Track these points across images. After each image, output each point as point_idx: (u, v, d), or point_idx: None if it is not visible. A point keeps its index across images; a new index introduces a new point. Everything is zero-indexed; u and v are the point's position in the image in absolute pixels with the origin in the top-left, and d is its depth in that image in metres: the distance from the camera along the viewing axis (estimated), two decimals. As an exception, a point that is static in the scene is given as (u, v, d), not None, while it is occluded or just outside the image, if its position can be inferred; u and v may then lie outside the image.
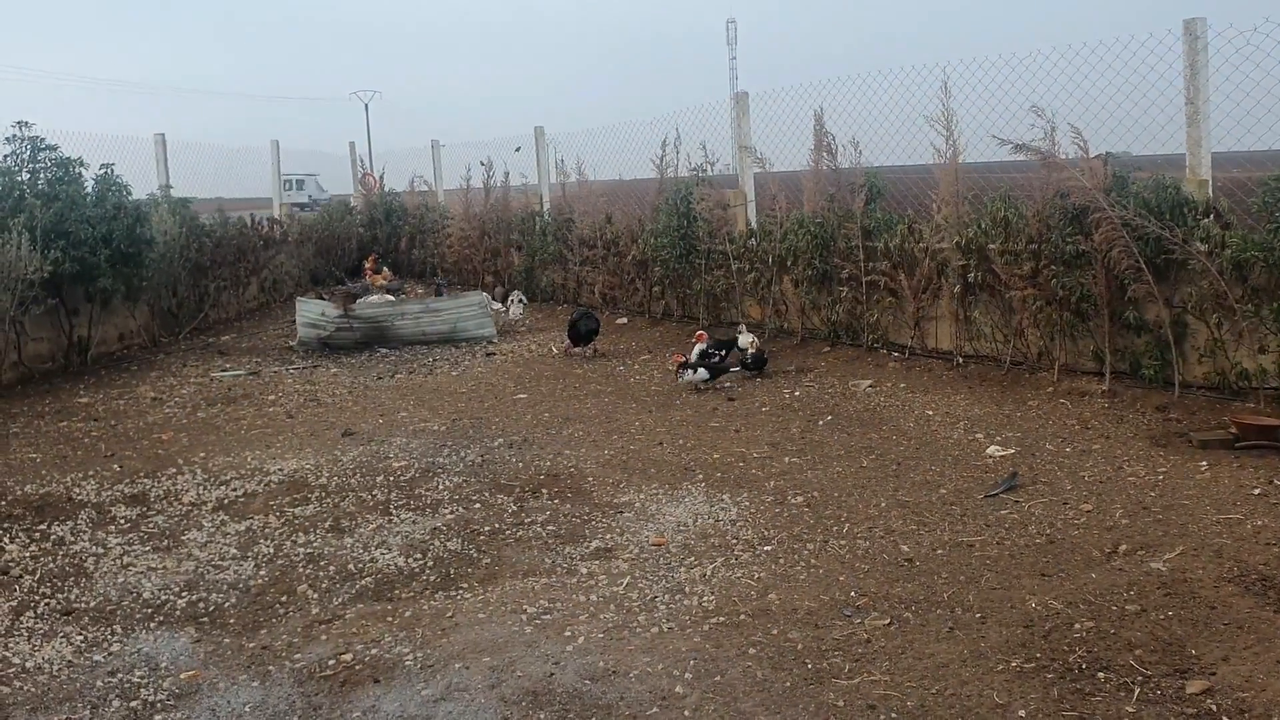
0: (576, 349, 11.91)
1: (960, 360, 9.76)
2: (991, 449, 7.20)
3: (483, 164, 18.60)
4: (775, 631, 4.61)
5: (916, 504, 6.21)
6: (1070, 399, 8.31)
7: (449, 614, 5.03)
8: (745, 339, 10.49)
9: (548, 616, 4.91)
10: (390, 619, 5.04)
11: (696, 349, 10.24)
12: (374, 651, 4.69)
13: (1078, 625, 4.50)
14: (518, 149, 18.45)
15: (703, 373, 9.71)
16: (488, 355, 12.31)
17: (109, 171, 12.32)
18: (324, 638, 4.90)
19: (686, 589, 5.14)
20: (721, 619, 4.77)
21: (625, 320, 13.99)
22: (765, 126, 12.75)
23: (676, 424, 8.49)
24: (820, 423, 8.25)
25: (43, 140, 11.74)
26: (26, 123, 11.66)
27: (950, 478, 6.67)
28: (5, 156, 11.55)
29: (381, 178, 22.74)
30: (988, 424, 7.88)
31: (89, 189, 11.94)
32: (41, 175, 11.66)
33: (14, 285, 10.51)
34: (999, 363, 9.47)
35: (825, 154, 11.09)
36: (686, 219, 12.78)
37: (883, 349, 10.57)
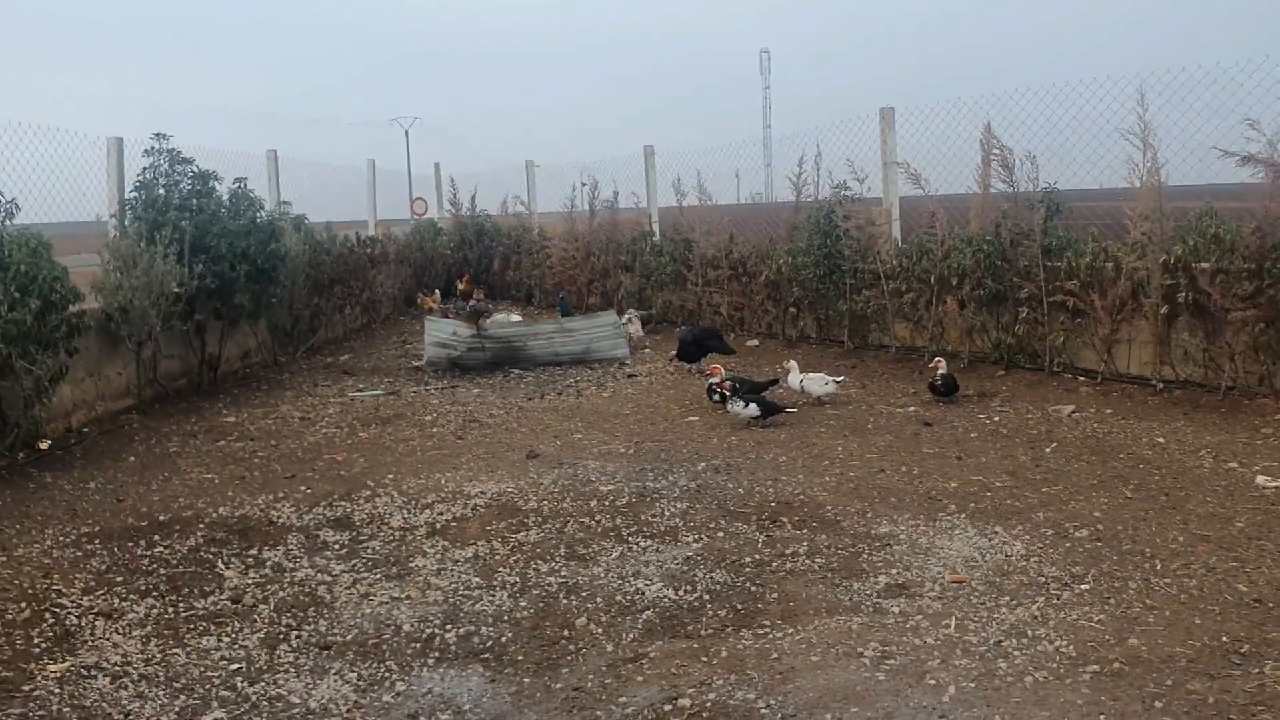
0: (688, 365, 11.82)
1: (1160, 385, 9.22)
2: (1261, 479, 6.67)
3: (584, 184, 18.29)
4: (1169, 682, 4.10)
5: (1220, 539, 5.69)
6: (1307, 427, 7.77)
7: (773, 655, 4.55)
8: (795, 378, 9.89)
9: (892, 661, 4.42)
10: (704, 659, 4.57)
11: (709, 383, 9.73)
12: (711, 697, 4.22)
13: None
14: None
15: (753, 408, 8.96)
16: (629, 377, 11.86)
17: (242, 186, 12.03)
18: (639, 679, 4.44)
19: (1028, 632, 4.65)
20: (1095, 667, 4.27)
21: (756, 343, 13.53)
22: (912, 147, 12.30)
23: (885, 450, 8.01)
24: (1047, 450, 7.74)
25: (179, 153, 11.44)
26: (164, 135, 11.37)
27: (1238, 510, 6.15)
28: (144, 169, 11.26)
29: (473, 198, 22.44)
30: (1234, 452, 7.36)
31: (225, 203, 11.62)
32: (177, 189, 11.35)
33: (159, 301, 10.18)
34: (1205, 388, 8.93)
35: (1000, 168, 10.59)
36: (830, 237, 12.31)
37: (1066, 373, 10.04)
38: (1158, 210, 9.17)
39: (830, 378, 9.95)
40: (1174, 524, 5.98)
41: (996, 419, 8.83)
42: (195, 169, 11.46)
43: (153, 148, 11.29)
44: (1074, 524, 6.06)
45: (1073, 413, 8.80)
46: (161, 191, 11.26)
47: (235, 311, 11.77)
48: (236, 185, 11.98)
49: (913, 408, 9.45)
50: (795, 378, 9.96)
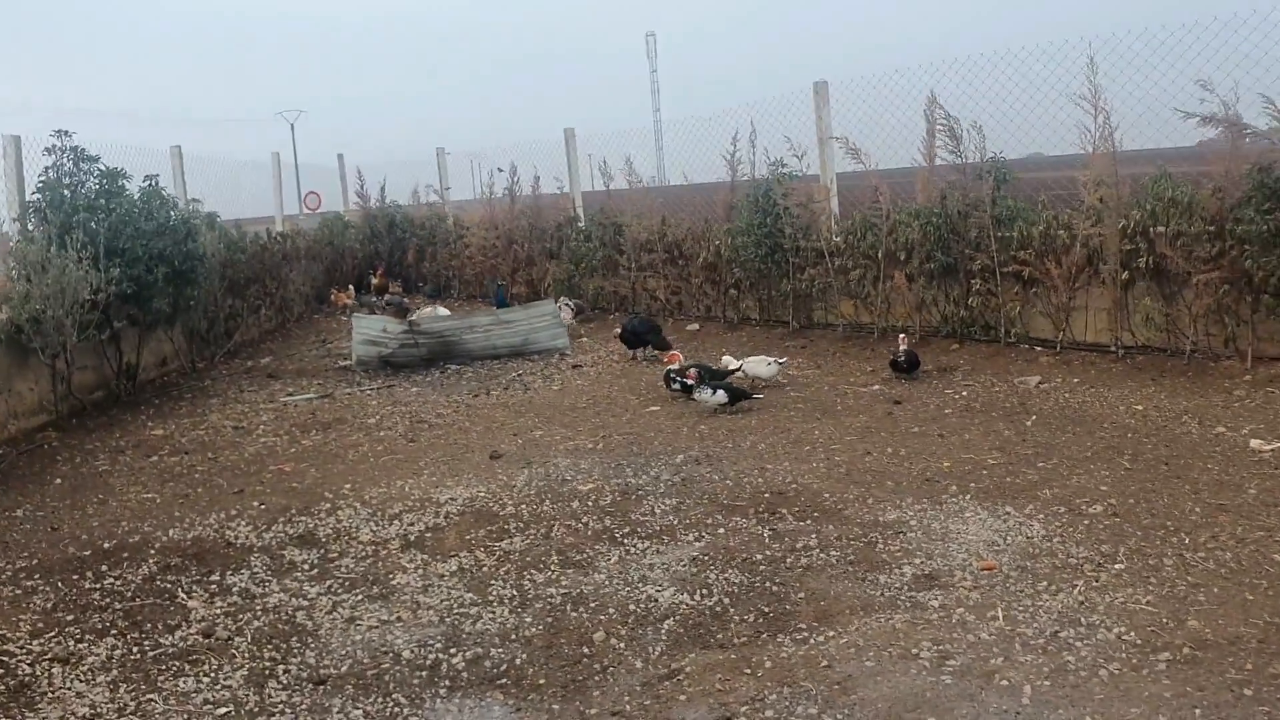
0: (629, 352, 11.55)
1: (1120, 352, 9.16)
2: (1255, 443, 6.58)
3: (501, 169, 17.80)
4: (1249, 667, 3.89)
5: (1238, 508, 5.55)
6: (1277, 387, 7.74)
7: (822, 662, 4.24)
8: (734, 364, 9.62)
9: (953, 662, 4.14)
10: (747, 671, 4.24)
11: (668, 370, 9.44)
12: (769, 714, 3.89)
13: None
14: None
15: (721, 395, 8.63)
16: (574, 367, 11.46)
17: (154, 183, 11.30)
18: (682, 698, 4.08)
19: (1081, 620, 4.41)
20: (1166, 655, 4.04)
21: (697, 327, 13.22)
22: (852, 123, 12.10)
23: (863, 431, 7.77)
24: (1028, 423, 7.58)
25: (84, 150, 10.69)
26: (66, 132, 10.60)
27: (1244, 477, 6.03)
28: (47, 169, 10.50)
29: (382, 189, 21.72)
30: (1216, 417, 7.29)
31: (137, 202, 10.89)
32: (83, 189, 10.60)
33: (73, 309, 9.47)
34: (1167, 352, 8.89)
35: (948, 138, 10.42)
36: (770, 216, 12.04)
37: (1023, 344, 9.94)
38: (1112, 175, 9.08)
39: (770, 359, 9.64)
40: (1185, 495, 5.83)
41: (965, 394, 8.66)
42: (103, 167, 10.73)
43: (54, 146, 10.54)
44: (1084, 500, 5.87)
45: (1040, 383, 8.68)
46: (67, 192, 10.51)
47: (153, 317, 11.10)
48: (148, 183, 11.25)
49: (876, 386, 9.25)
50: (733, 365, 9.67)
